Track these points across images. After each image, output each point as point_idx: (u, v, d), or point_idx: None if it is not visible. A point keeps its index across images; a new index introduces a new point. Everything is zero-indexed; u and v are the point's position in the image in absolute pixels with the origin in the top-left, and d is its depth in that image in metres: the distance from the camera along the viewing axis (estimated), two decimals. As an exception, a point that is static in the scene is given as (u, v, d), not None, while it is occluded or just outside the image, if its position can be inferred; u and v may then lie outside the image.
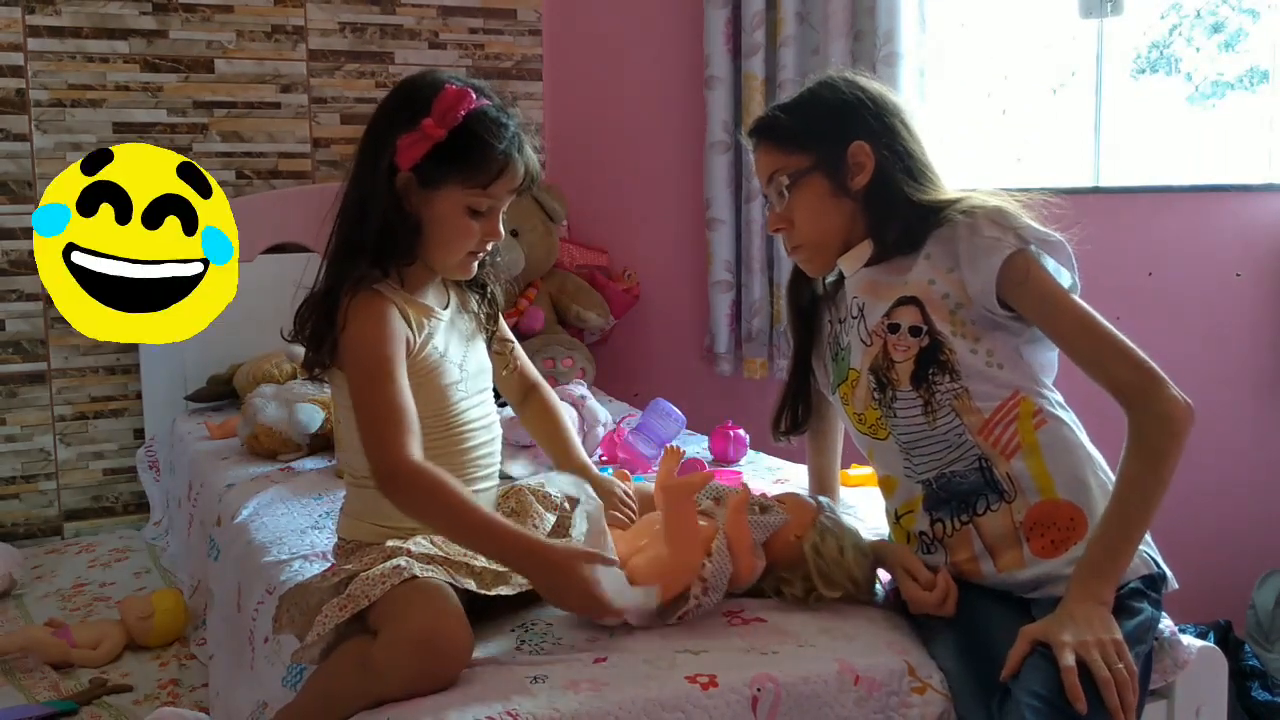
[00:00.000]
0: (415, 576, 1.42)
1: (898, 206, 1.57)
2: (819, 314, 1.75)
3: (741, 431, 2.51)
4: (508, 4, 3.67)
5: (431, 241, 1.56)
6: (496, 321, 1.75)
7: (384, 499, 1.50)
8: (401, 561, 1.45)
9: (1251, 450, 2.86)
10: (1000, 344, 1.53)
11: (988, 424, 1.52)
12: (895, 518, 1.65)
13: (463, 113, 1.50)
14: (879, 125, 1.58)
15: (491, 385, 1.71)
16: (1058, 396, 1.56)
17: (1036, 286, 1.49)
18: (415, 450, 1.46)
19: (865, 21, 2.99)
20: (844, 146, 1.58)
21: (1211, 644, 1.60)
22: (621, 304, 3.52)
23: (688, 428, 2.59)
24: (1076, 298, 1.51)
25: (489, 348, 1.73)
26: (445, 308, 1.64)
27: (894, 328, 1.57)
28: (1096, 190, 2.93)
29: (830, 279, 1.73)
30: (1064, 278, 1.54)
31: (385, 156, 1.53)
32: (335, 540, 1.68)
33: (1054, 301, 1.49)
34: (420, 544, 1.51)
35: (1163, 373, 1.45)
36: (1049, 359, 1.58)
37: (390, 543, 1.52)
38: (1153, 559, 1.51)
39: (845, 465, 1.95)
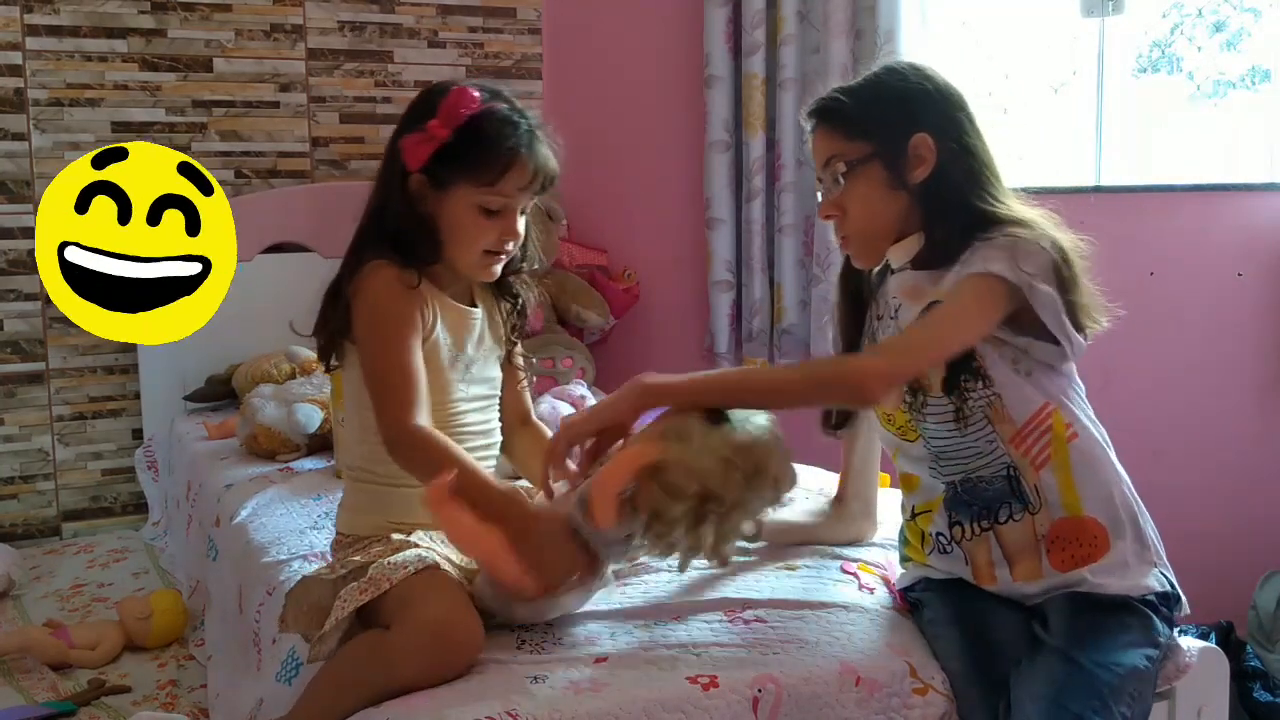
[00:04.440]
0: (437, 565, 1.45)
1: (953, 208, 1.51)
2: (866, 305, 1.67)
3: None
4: (507, 3, 3.66)
5: (449, 242, 1.58)
6: (520, 332, 1.74)
7: (387, 495, 1.57)
8: (424, 551, 1.48)
9: (1252, 450, 2.85)
10: (1026, 352, 1.50)
11: (1020, 434, 1.50)
12: (911, 514, 1.62)
13: (465, 112, 1.52)
14: (944, 118, 1.52)
15: (496, 399, 1.70)
16: (1090, 411, 1.54)
17: (956, 290, 1.45)
18: (422, 417, 1.49)
19: (866, 20, 2.98)
20: (906, 137, 1.51)
21: (1213, 645, 1.60)
22: (621, 304, 3.52)
23: (688, 427, 2.58)
24: (960, 312, 1.45)
25: (507, 358, 1.73)
26: (475, 309, 1.66)
27: None
28: (1098, 189, 2.92)
29: (876, 272, 1.66)
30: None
31: (399, 160, 1.56)
32: (334, 536, 1.68)
33: (950, 299, 1.46)
34: (422, 538, 1.53)
35: (899, 364, 1.45)
36: (1076, 373, 1.55)
37: (396, 536, 1.54)
38: (1168, 579, 1.50)
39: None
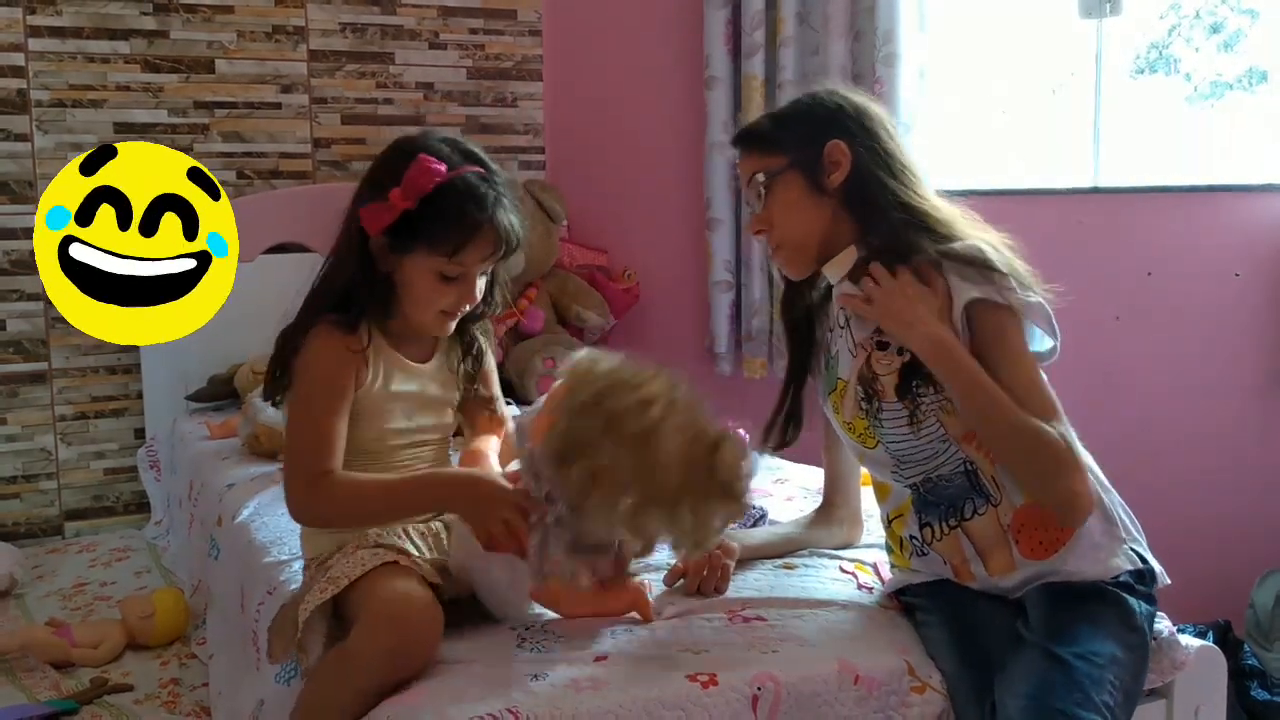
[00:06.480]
0: (396, 561, 1.48)
1: (881, 206, 1.55)
2: (813, 325, 1.71)
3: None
4: (508, 4, 3.67)
5: (405, 300, 1.58)
6: (473, 381, 1.73)
7: None
8: (383, 551, 1.50)
9: (1251, 450, 2.86)
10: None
11: (972, 430, 1.51)
12: (887, 521, 1.65)
13: (428, 184, 1.50)
14: (857, 127, 1.59)
15: (448, 441, 1.71)
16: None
17: (1003, 336, 1.49)
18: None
19: (865, 21, 2.99)
20: (820, 145, 1.58)
21: (1210, 643, 1.60)
22: (621, 304, 3.52)
23: (688, 427, 2.59)
24: (1023, 355, 1.50)
25: (464, 402, 1.72)
26: (426, 362, 1.65)
27: (882, 344, 1.56)
28: (1096, 190, 2.93)
29: (822, 286, 1.70)
30: (1044, 343, 1.54)
31: (360, 225, 1.55)
32: (303, 562, 1.69)
33: (1014, 357, 1.49)
34: (385, 538, 1.55)
35: (1078, 457, 1.46)
36: None
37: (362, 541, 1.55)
38: (1139, 554, 1.51)
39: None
